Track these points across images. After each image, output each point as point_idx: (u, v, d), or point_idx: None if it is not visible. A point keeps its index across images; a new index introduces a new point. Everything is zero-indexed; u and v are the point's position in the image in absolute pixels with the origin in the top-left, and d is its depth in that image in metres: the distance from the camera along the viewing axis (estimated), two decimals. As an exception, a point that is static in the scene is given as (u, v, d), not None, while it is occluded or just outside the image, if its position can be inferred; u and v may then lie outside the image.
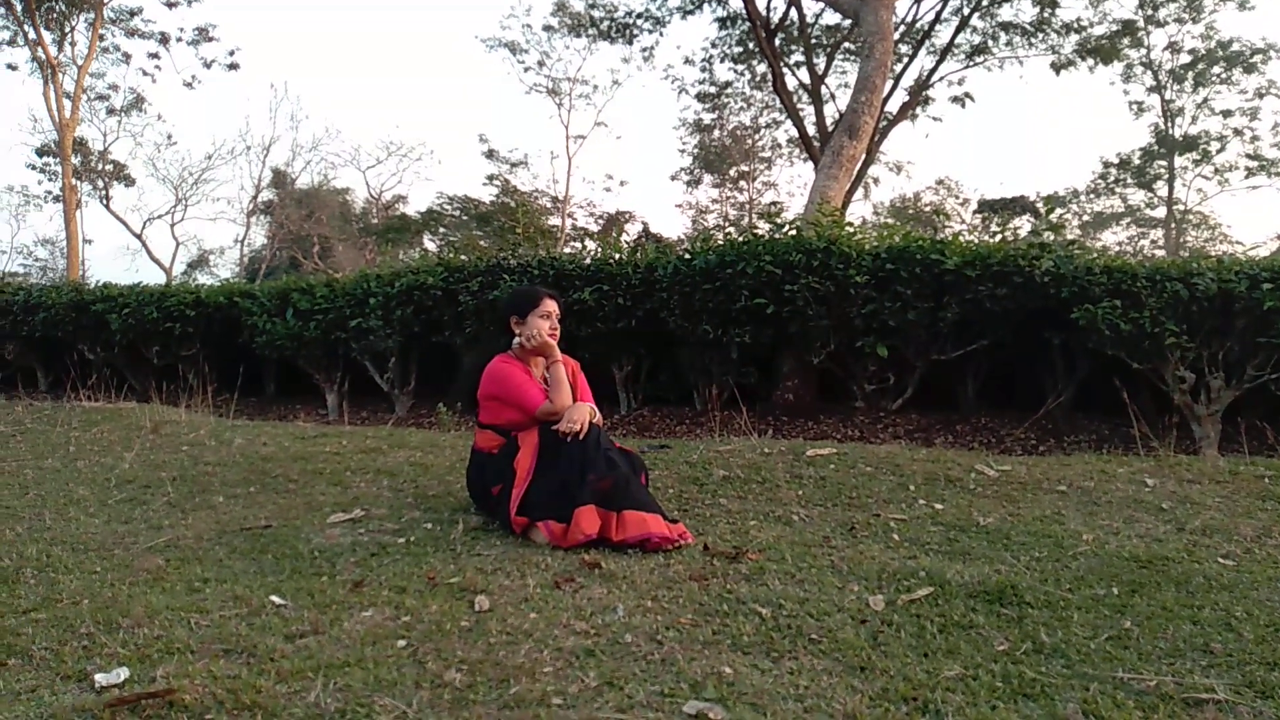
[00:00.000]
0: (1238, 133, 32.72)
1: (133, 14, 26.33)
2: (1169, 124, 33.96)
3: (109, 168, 31.63)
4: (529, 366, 3.49)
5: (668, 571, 2.70)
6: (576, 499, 3.00)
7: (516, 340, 3.49)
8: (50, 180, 31.64)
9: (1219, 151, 33.48)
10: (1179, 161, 34.58)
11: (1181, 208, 36.04)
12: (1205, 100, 33.24)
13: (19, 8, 23.79)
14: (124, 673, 1.90)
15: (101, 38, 26.06)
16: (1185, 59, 32.37)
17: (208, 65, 27.67)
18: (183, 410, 6.78)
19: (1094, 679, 1.96)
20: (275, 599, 2.42)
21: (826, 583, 2.61)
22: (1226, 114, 32.85)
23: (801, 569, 2.75)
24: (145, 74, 31.90)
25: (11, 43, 25.23)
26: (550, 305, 3.52)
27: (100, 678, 1.88)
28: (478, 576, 2.61)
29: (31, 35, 24.32)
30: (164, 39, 26.90)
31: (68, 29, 25.31)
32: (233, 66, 27.60)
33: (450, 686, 1.86)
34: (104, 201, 31.56)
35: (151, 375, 8.81)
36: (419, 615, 2.28)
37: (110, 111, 30.24)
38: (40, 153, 30.81)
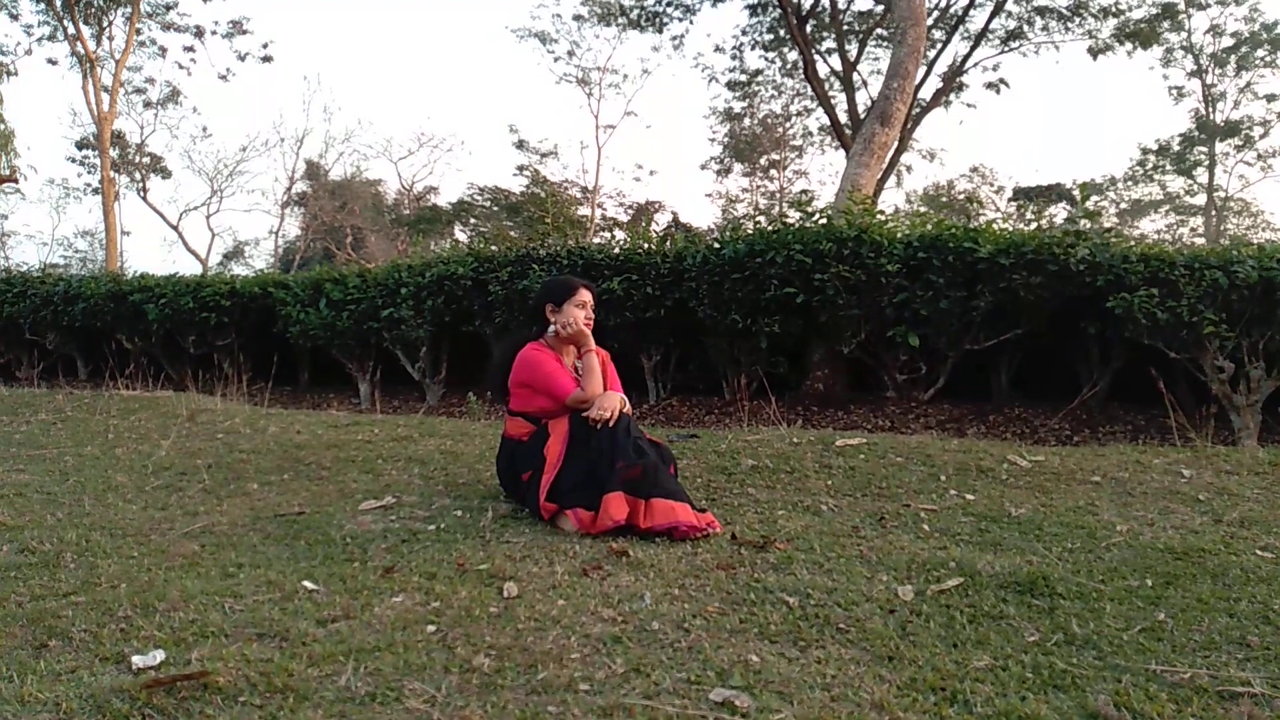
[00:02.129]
0: (1281, 117, 32.02)
1: (169, 8, 26.71)
2: (1210, 109, 33.31)
3: (146, 160, 32.17)
4: (561, 355, 3.51)
5: (695, 560, 2.70)
6: (605, 486, 3.01)
7: (551, 328, 3.51)
8: (89, 173, 32.29)
9: (1262, 137, 32.86)
10: (1220, 147, 33.92)
11: (1222, 194, 35.37)
12: (1248, 84, 32.60)
13: (58, 3, 24.19)
14: (160, 655, 1.94)
15: (138, 32, 26.44)
16: (1227, 42, 31.75)
17: (242, 58, 28.06)
18: (218, 399, 6.88)
19: (1126, 671, 1.93)
20: (307, 584, 2.45)
21: (855, 572, 2.60)
22: (1271, 98, 32.16)
23: (830, 559, 2.73)
24: (181, 67, 32.35)
25: (51, 38, 25.66)
26: (585, 295, 3.55)
27: (137, 660, 1.91)
28: (506, 563, 2.63)
29: (70, 30, 24.73)
30: (199, 32, 27.25)
31: (105, 23, 25.74)
32: (266, 59, 27.92)
33: (479, 672, 1.87)
34: (141, 193, 32.12)
35: (188, 364, 8.95)
36: (448, 601, 2.30)
37: (147, 105, 30.77)
38: (80, 146, 31.43)
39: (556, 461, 3.22)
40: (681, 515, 2.96)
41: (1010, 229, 6.25)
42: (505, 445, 3.54)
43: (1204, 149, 34.22)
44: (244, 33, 27.45)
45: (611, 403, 3.25)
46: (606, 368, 3.53)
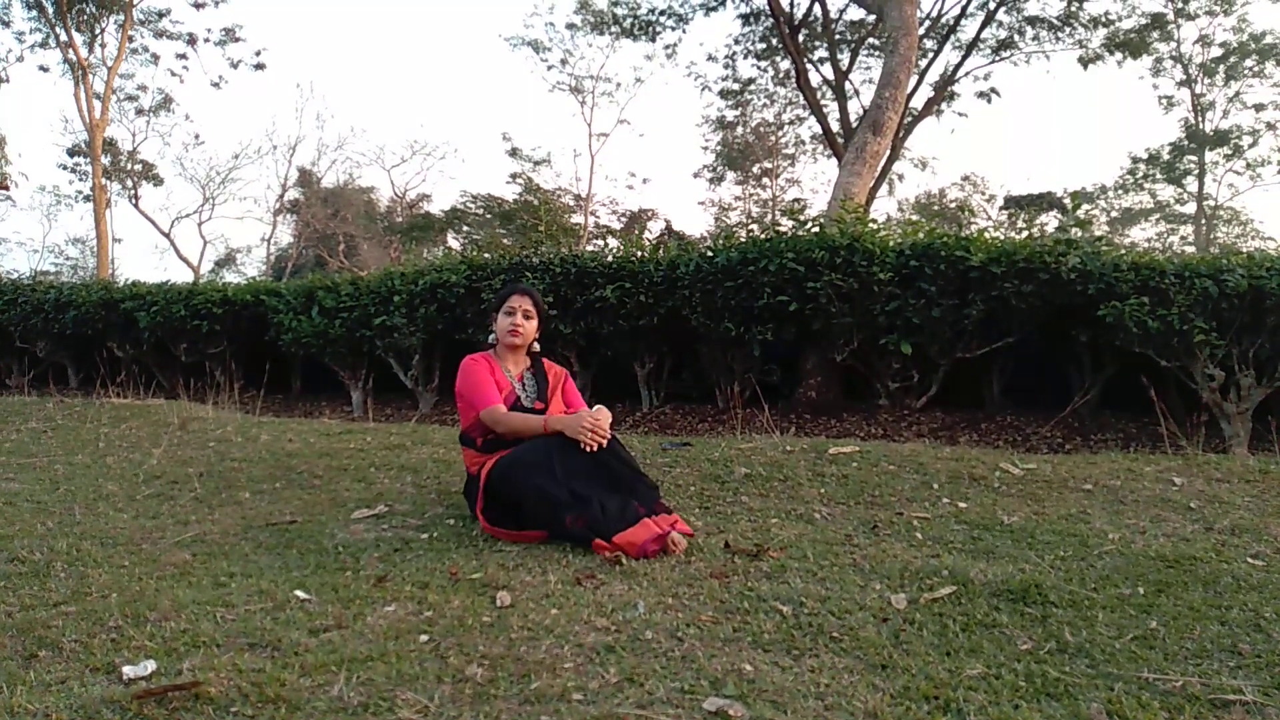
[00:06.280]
0: (1270, 127, 32.29)
1: (161, 15, 26.76)
2: (1199, 118, 33.53)
3: (138, 167, 32.13)
4: (505, 364, 3.50)
5: (688, 569, 2.70)
6: (595, 532, 2.87)
7: (491, 336, 3.57)
8: (81, 180, 32.16)
9: (1251, 146, 33.08)
10: (1209, 156, 34.13)
11: (1212, 203, 35.57)
12: (1237, 94, 32.84)
13: (51, 10, 24.16)
14: (151, 665, 1.93)
15: (131, 39, 26.44)
16: (1216, 52, 31.98)
17: (234, 65, 28.01)
18: (210, 407, 6.86)
19: (1119, 679, 1.94)
20: (299, 594, 2.44)
21: (848, 581, 2.60)
22: (1259, 108, 32.46)
23: (823, 567, 2.73)
24: (173, 74, 32.21)
25: (43, 45, 25.65)
26: (514, 301, 3.50)
27: (128, 670, 1.90)
28: (499, 572, 2.62)
29: (63, 37, 24.69)
30: (192, 40, 27.28)
31: (98, 31, 25.70)
32: (259, 66, 27.94)
33: (472, 681, 1.87)
34: (133, 201, 32.08)
35: (179, 372, 8.91)
36: (441, 610, 2.30)
37: (139, 112, 30.76)
38: (71, 153, 31.32)
39: (493, 523, 3.10)
40: (642, 536, 2.82)
41: (1002, 237, 6.28)
42: (467, 476, 3.44)
43: (1194, 158, 34.43)
44: (237, 40, 27.51)
45: (602, 425, 3.09)
46: (562, 383, 3.54)
